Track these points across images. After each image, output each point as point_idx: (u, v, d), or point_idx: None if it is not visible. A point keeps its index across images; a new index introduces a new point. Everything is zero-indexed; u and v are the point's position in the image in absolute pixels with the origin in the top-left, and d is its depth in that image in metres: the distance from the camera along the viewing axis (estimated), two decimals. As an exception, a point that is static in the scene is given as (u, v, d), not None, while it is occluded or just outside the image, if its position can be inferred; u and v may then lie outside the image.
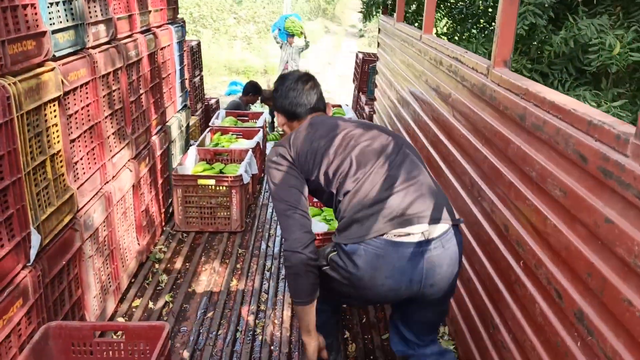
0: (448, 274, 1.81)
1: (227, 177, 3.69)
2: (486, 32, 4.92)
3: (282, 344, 2.68)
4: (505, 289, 2.04)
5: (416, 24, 5.30)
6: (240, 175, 3.70)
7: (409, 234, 1.74)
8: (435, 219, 1.77)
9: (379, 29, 5.67)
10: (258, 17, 18.99)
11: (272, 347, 2.66)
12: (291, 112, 2.13)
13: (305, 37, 10.11)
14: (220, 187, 3.72)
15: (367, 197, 1.80)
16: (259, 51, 17.24)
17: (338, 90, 13.69)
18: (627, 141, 1.30)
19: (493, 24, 4.94)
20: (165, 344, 2.02)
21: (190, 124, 4.82)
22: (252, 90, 6.75)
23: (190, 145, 4.48)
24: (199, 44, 6.46)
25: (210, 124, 5.13)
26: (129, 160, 3.10)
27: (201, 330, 2.77)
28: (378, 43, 5.66)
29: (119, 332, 2.16)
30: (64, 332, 2.07)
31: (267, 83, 10.50)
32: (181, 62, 4.42)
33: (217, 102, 7.53)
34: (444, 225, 1.79)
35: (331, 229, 2.40)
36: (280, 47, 10.43)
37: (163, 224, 3.85)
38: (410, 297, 1.83)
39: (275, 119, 2.17)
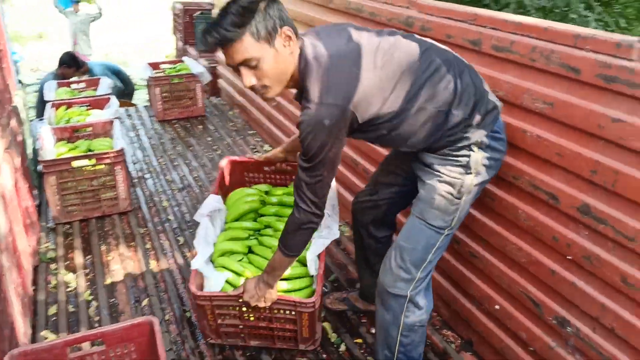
0: None
1: (108, 153, 3.31)
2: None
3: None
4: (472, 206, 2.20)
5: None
6: (122, 149, 3.35)
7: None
8: None
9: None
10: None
11: (228, 317, 2.55)
12: (290, 20, 1.66)
13: (97, 4, 8.99)
14: (100, 166, 3.33)
15: (477, 85, 1.76)
16: (26, 13, 15.32)
17: (145, 47, 12.88)
18: (630, 46, 1.47)
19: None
20: (160, 337, 1.85)
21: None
22: (69, 62, 5.88)
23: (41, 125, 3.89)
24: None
25: (45, 98, 4.48)
26: (4, 151, 2.62)
27: (145, 320, 2.53)
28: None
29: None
30: (30, 359, 1.77)
31: None
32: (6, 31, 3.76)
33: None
34: None
35: (234, 285, 2.26)
36: (66, 16, 9.09)
37: (38, 218, 3.35)
38: None
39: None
